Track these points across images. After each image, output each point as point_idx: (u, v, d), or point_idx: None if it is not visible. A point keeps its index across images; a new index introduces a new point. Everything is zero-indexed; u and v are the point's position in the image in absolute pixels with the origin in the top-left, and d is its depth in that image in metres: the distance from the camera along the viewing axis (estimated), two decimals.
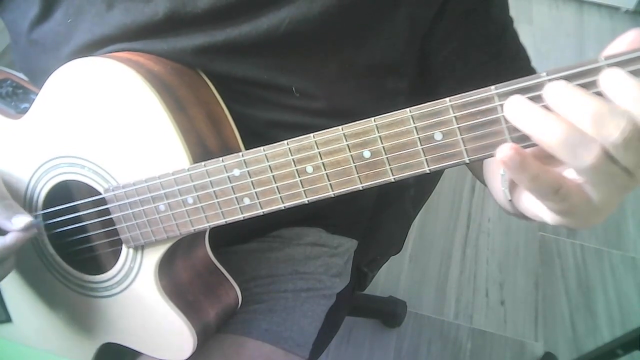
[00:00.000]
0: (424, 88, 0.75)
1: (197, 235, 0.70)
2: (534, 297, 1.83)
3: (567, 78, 0.41)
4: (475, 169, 0.78)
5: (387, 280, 1.82)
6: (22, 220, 0.64)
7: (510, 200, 0.55)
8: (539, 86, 0.42)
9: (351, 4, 0.64)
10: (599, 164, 0.40)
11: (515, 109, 0.42)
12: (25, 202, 0.72)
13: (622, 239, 2.01)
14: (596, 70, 0.40)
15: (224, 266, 0.76)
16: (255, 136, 0.62)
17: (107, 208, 0.66)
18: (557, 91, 0.41)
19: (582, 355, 1.58)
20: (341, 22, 0.65)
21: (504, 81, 0.43)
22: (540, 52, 2.54)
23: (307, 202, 0.55)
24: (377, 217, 1.07)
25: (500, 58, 0.73)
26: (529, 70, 0.76)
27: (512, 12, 0.74)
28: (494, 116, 0.45)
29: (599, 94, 0.40)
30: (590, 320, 1.78)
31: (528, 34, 2.75)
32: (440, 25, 0.68)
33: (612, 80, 0.39)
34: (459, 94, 0.45)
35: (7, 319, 0.82)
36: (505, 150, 0.41)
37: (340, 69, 0.68)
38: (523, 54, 0.76)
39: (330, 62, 0.68)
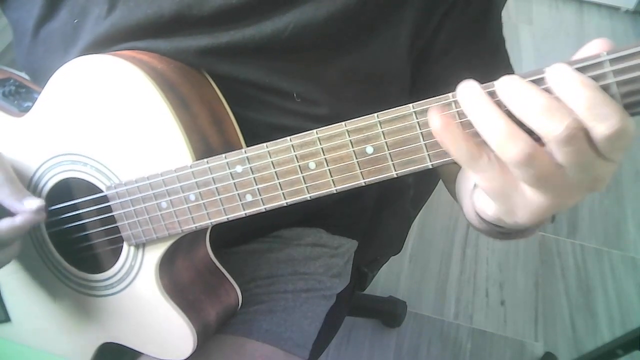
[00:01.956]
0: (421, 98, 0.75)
1: (198, 235, 0.70)
2: (534, 297, 1.83)
3: None
4: (448, 181, 0.78)
5: (387, 280, 1.83)
6: (34, 202, 0.65)
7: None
8: (539, 82, 0.42)
9: (356, 11, 0.64)
10: (524, 162, 0.42)
11: (466, 95, 0.45)
12: None
13: (622, 239, 2.02)
14: (599, 65, 0.40)
15: (224, 267, 0.76)
16: (256, 139, 0.62)
17: (109, 205, 0.66)
18: (506, 86, 0.43)
19: (582, 355, 1.59)
20: (345, 28, 0.65)
21: None
22: (540, 52, 2.54)
23: (309, 198, 0.55)
24: (377, 217, 1.07)
25: (491, 77, 0.73)
26: None
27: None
28: None
29: (605, 87, 0.41)
30: (590, 320, 1.78)
31: (528, 34, 2.75)
32: (439, 38, 0.69)
33: (560, 78, 0.41)
34: None
35: (6, 318, 0.82)
36: (433, 117, 0.45)
37: (342, 75, 0.69)
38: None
39: (333, 68, 0.68)
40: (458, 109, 0.46)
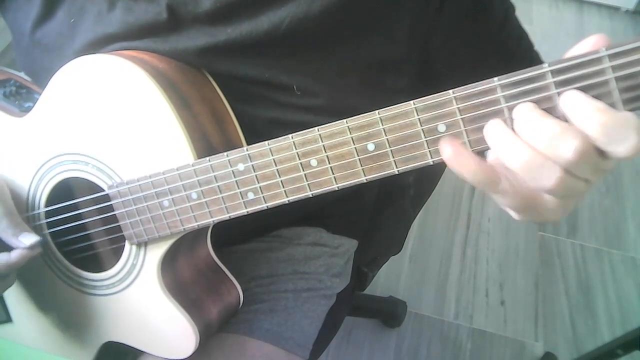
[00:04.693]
0: (425, 85, 0.75)
1: (199, 234, 0.70)
2: (534, 297, 1.83)
3: (569, 68, 0.42)
4: None
5: (387, 280, 1.83)
6: (29, 238, 0.67)
7: None
8: (540, 77, 0.43)
9: (351, 1, 0.64)
10: (558, 188, 0.44)
11: (490, 131, 0.46)
12: (28, 200, 0.72)
13: (622, 239, 2.02)
14: (598, 61, 0.41)
15: (224, 266, 0.76)
16: (257, 135, 0.63)
17: (111, 205, 0.66)
18: (519, 115, 0.44)
19: (582, 355, 1.58)
20: (341, 20, 0.65)
21: (508, 72, 0.44)
22: (540, 52, 2.49)
23: (311, 196, 0.55)
24: (377, 217, 1.07)
25: (503, 50, 0.73)
26: (532, 57, 0.77)
27: None
28: (496, 107, 0.45)
29: (604, 83, 0.41)
30: (590, 320, 1.78)
31: (528, 34, 2.75)
32: (441, 21, 0.68)
33: (573, 106, 0.42)
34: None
35: (8, 319, 0.82)
36: (445, 147, 0.46)
37: (341, 66, 0.69)
38: (525, 42, 0.76)
39: (331, 59, 0.68)
40: (466, 127, 0.47)
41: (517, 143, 0.44)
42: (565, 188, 0.44)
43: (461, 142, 0.47)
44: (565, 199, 0.47)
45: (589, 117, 0.41)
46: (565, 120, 0.43)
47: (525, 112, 0.44)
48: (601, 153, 0.42)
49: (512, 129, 0.45)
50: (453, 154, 0.46)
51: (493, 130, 0.46)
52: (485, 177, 0.46)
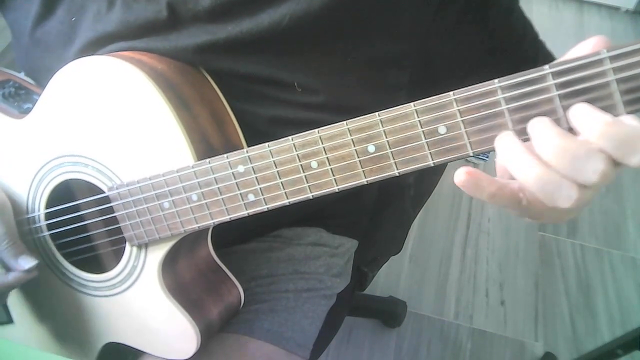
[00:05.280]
0: (427, 82, 0.75)
1: (200, 234, 0.70)
2: (534, 297, 1.83)
3: (570, 70, 0.42)
4: None
5: (387, 280, 1.83)
6: (28, 262, 0.67)
7: None
8: (541, 79, 0.43)
9: None
10: (576, 205, 0.43)
11: (502, 144, 0.45)
12: (28, 202, 0.72)
13: (622, 239, 2.02)
14: (599, 63, 0.41)
15: (225, 266, 0.76)
16: (257, 133, 0.63)
17: (111, 206, 0.66)
18: (538, 132, 0.43)
19: (582, 355, 1.58)
20: (342, 17, 0.64)
21: (513, 65, 0.44)
22: None
23: (311, 197, 0.55)
24: (377, 217, 1.07)
25: (507, 44, 0.73)
26: (536, 49, 0.78)
27: None
28: (497, 109, 0.45)
29: (605, 85, 0.41)
30: (590, 320, 1.78)
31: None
32: (444, 17, 0.68)
33: (580, 116, 0.42)
34: (464, 86, 0.46)
35: (9, 320, 0.82)
36: (460, 175, 0.46)
37: (341, 63, 0.68)
38: (530, 34, 0.76)
39: (332, 56, 0.68)
40: (467, 129, 0.47)
41: (528, 159, 0.44)
42: (581, 200, 0.44)
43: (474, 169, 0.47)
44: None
45: (600, 130, 0.40)
46: (566, 123, 0.43)
47: (543, 129, 0.43)
48: (617, 164, 0.41)
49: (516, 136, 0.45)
50: (469, 182, 0.46)
51: (504, 141, 0.45)
52: (507, 200, 0.47)
